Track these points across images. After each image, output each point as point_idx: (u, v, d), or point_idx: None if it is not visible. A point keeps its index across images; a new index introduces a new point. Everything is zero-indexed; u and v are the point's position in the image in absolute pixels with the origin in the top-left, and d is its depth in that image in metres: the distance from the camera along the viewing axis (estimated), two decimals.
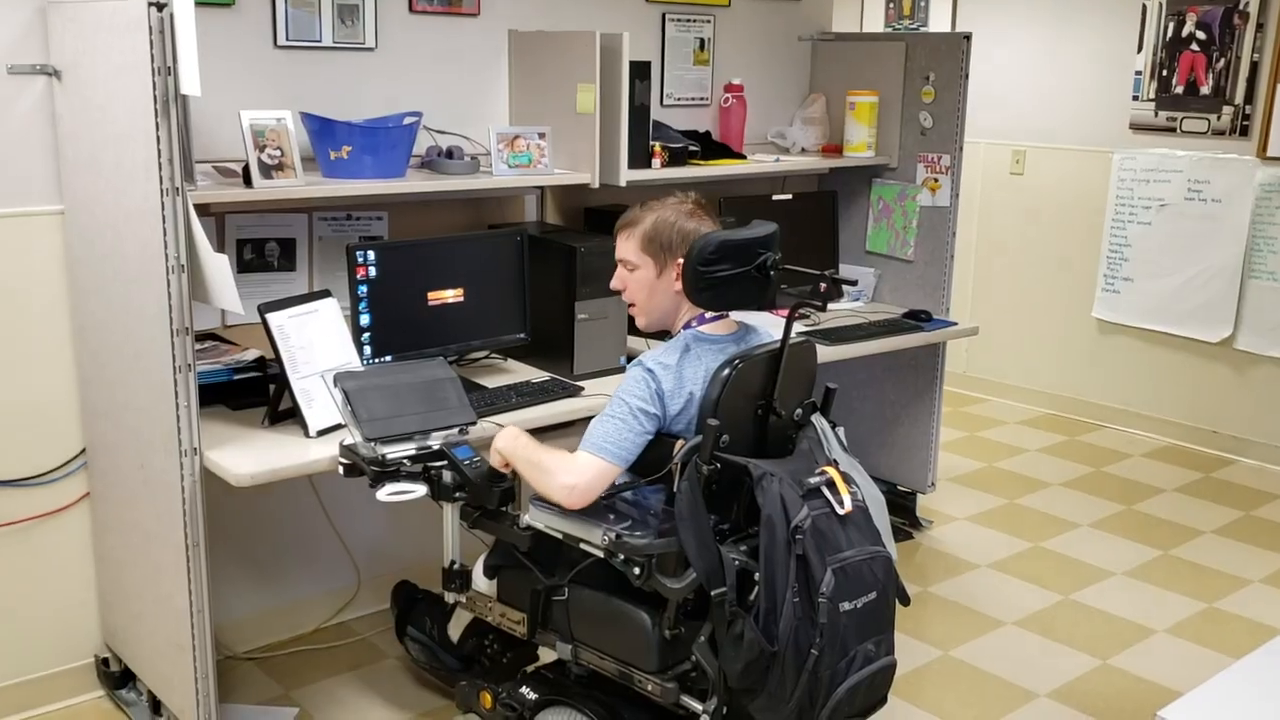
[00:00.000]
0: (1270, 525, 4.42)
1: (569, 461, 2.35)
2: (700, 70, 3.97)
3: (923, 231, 4.08)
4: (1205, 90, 5.07)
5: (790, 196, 4.03)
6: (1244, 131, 4.97)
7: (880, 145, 4.08)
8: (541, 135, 3.23)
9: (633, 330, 3.31)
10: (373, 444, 2.46)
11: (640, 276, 2.49)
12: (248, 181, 2.74)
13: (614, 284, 2.57)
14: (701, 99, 3.98)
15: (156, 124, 2.32)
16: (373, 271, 2.89)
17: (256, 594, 3.31)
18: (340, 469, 2.49)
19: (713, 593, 2.17)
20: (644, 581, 2.25)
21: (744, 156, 3.85)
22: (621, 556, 2.26)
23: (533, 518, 2.43)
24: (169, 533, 2.57)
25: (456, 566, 2.66)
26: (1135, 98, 5.29)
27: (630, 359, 3.30)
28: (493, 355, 3.31)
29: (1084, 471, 4.93)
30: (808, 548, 2.15)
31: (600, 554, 2.31)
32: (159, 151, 2.34)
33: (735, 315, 2.52)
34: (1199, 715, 1.55)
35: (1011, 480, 4.81)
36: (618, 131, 3.31)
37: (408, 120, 3.06)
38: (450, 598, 2.69)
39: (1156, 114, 5.23)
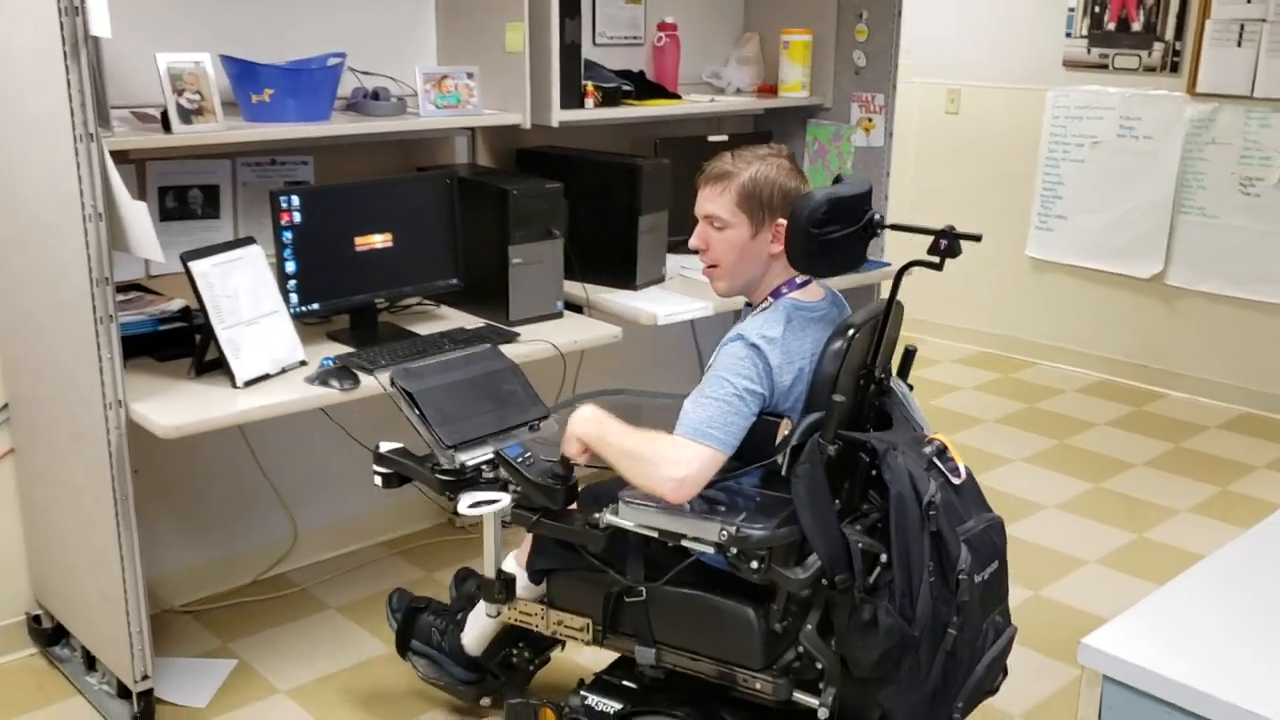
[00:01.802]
0: (1198, 456, 4.52)
1: (672, 448, 2.10)
2: (633, 9, 3.91)
3: (858, 172, 4.07)
4: (1136, 27, 5.10)
5: (726, 138, 4.00)
6: (1174, 68, 5.01)
7: (814, 85, 4.06)
8: (470, 75, 3.16)
9: (570, 274, 3.31)
10: (452, 451, 2.25)
11: (731, 236, 2.26)
12: (166, 127, 2.66)
13: (695, 242, 2.33)
14: (635, 38, 3.93)
15: (66, 67, 2.24)
16: (297, 217, 2.83)
17: (192, 547, 3.27)
18: (378, 480, 2.32)
19: (837, 579, 2.05)
20: (763, 576, 2.07)
21: (678, 97, 3.81)
22: (735, 551, 2.05)
23: (623, 516, 2.16)
24: (97, 487, 2.53)
25: (502, 576, 2.42)
26: (1068, 35, 5.31)
27: (567, 304, 3.31)
28: (425, 302, 3.27)
29: (1018, 408, 5.01)
30: (941, 524, 2.07)
31: (710, 550, 2.09)
32: (69, 97, 2.26)
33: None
34: (1119, 641, 1.58)
35: (947, 417, 4.87)
36: (548, 71, 3.26)
37: (331, 62, 2.99)
38: (493, 610, 2.45)
39: (1089, 51, 5.25)
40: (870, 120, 4.01)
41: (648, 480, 2.11)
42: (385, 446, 2.35)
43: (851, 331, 2.17)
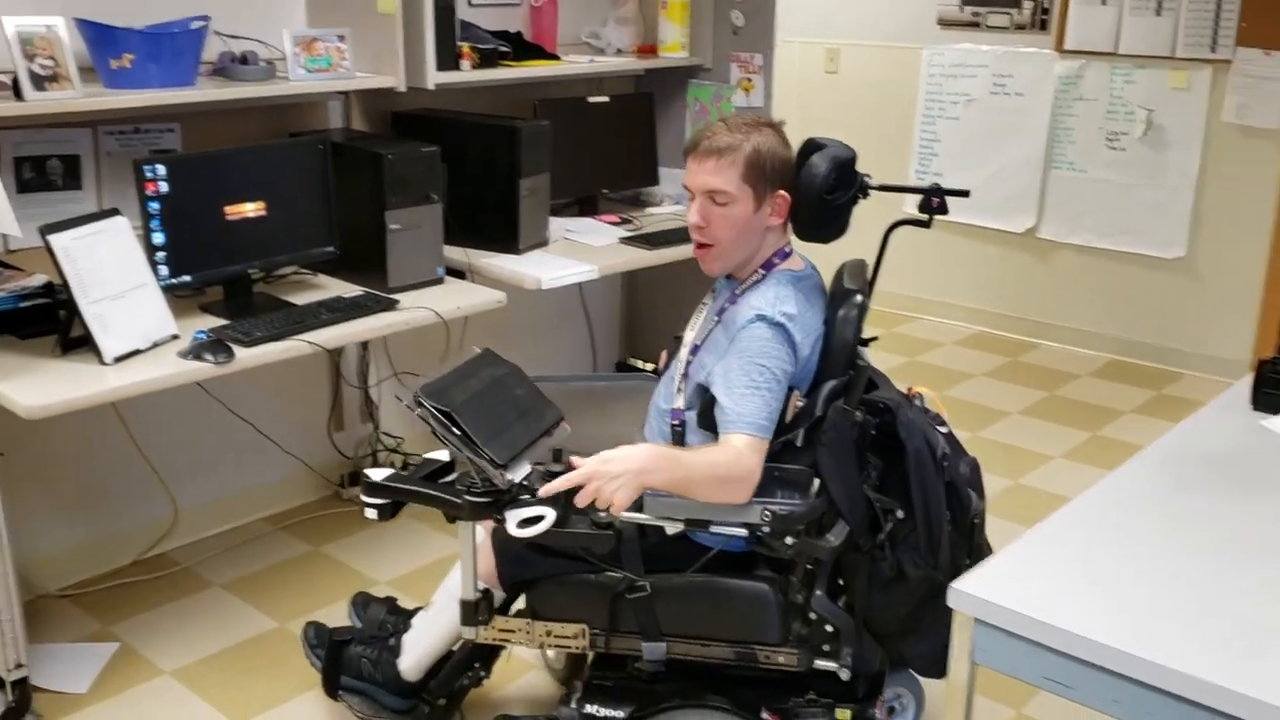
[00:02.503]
0: (1070, 404, 4.68)
1: (751, 455, 2.04)
2: None
3: None
4: None
5: (607, 99, 3.99)
6: (1043, 25, 5.13)
7: (694, 45, 4.05)
8: (341, 37, 3.09)
9: (449, 239, 3.27)
10: (501, 470, 2.05)
11: (735, 212, 2.17)
12: (18, 94, 2.55)
13: (691, 219, 2.21)
14: None
15: None
16: (164, 187, 2.74)
17: (67, 529, 3.17)
18: (371, 514, 2.13)
19: (862, 540, 2.08)
20: (797, 549, 2.07)
21: (557, 58, 3.78)
22: (767, 529, 2.03)
23: (649, 510, 2.07)
24: None
25: (479, 595, 2.24)
26: None
27: (449, 270, 3.26)
28: (301, 271, 3.20)
29: (898, 362, 5.12)
30: (954, 474, 2.12)
31: (741, 533, 2.06)
32: None
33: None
34: (987, 585, 1.63)
35: None
36: (422, 32, 3.20)
37: (195, 25, 2.89)
38: (473, 633, 2.27)
39: (962, 9, 5.35)
40: (750, 80, 4.03)
41: (736, 496, 2.04)
42: (377, 475, 2.15)
43: (860, 298, 2.19)
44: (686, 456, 2.10)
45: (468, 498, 2.07)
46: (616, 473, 2.00)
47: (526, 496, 2.06)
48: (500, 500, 2.06)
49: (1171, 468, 2.02)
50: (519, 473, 2.08)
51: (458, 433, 2.03)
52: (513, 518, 2.03)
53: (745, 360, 2.11)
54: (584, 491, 2.00)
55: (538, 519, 2.02)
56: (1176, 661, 1.45)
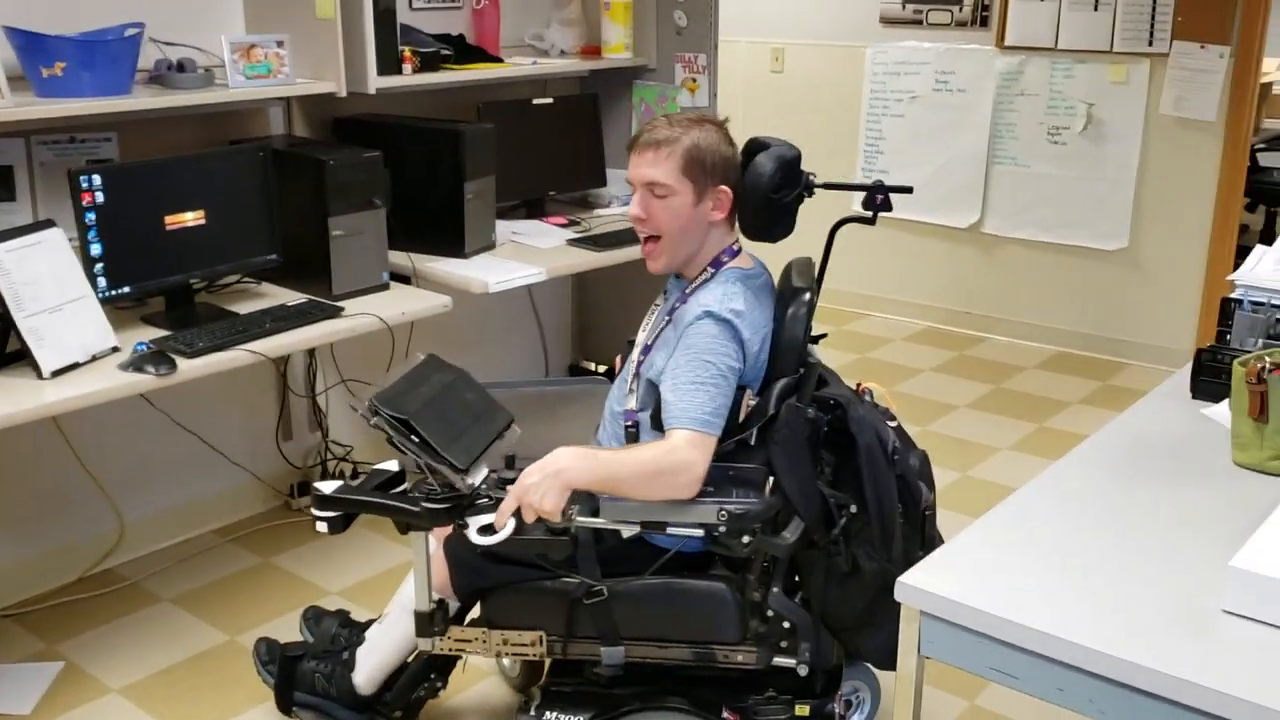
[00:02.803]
0: (1017, 396, 4.73)
1: (687, 450, 2.04)
2: None
3: None
4: None
5: (551, 101, 3.98)
6: (984, 22, 5.18)
7: (637, 46, 4.05)
8: (280, 43, 3.05)
9: (394, 244, 3.24)
10: (462, 474, 2.04)
11: (675, 204, 2.18)
12: None
13: (633, 211, 2.23)
14: (453, 1, 3.85)
15: None
16: (100, 197, 2.69)
17: (9, 547, 3.10)
18: (322, 527, 2.08)
19: (817, 536, 2.10)
20: (753, 548, 2.07)
21: (501, 60, 3.76)
22: (723, 529, 2.05)
23: (605, 515, 2.08)
24: None
25: (434, 605, 2.22)
26: None
27: (395, 275, 3.24)
28: (244, 279, 3.16)
29: (849, 359, 5.15)
30: (904, 467, 2.14)
31: (698, 533, 2.07)
32: None
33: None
34: (932, 578, 1.64)
35: None
36: (363, 37, 3.17)
37: (129, 32, 2.84)
38: (428, 644, 2.25)
39: (904, 7, 5.39)
40: (694, 80, 4.04)
41: (674, 489, 2.04)
42: (327, 488, 2.11)
43: (808, 296, 2.20)
44: (609, 454, 2.12)
45: (425, 505, 2.05)
46: (536, 482, 2.02)
47: (484, 502, 2.06)
48: (459, 506, 2.04)
49: (1113, 457, 2.05)
50: (478, 476, 2.07)
51: (416, 440, 2.01)
52: (474, 524, 2.03)
53: (691, 356, 2.12)
54: (521, 510, 2.03)
55: (488, 529, 2.03)
56: (1117, 648, 1.46)
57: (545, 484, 2.02)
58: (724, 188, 2.22)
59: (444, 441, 2.03)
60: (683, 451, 2.04)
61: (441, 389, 2.18)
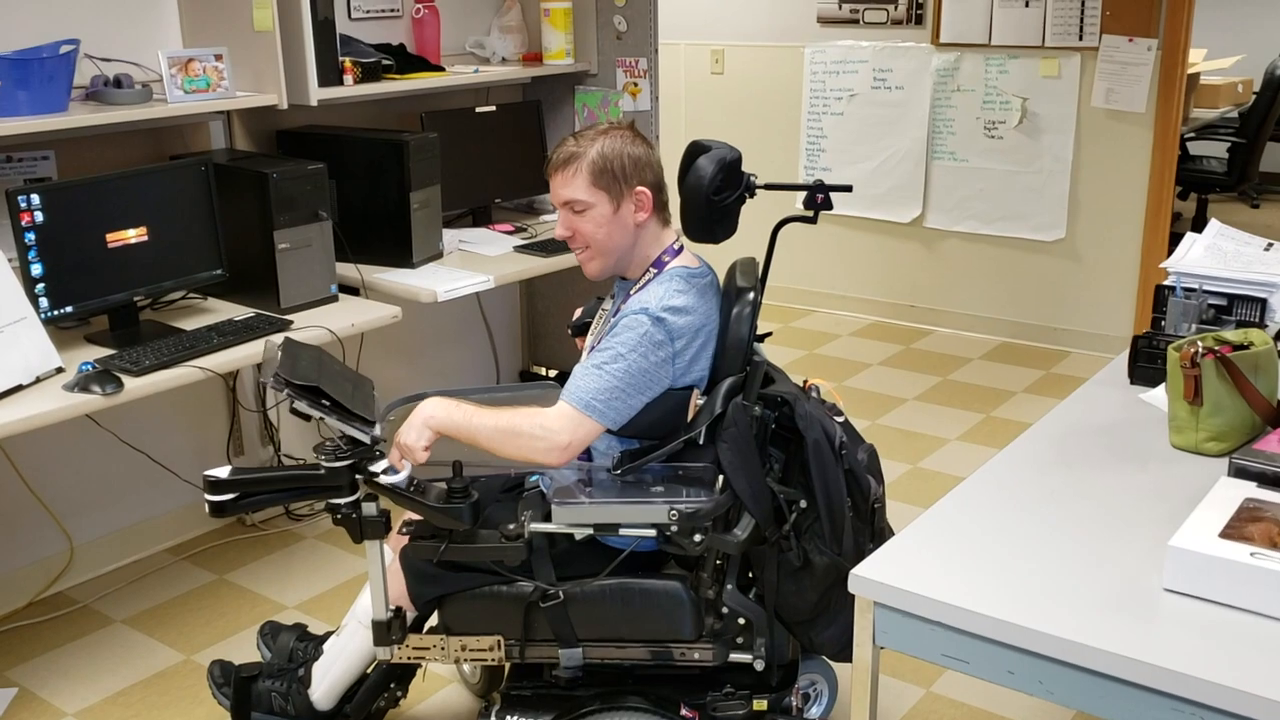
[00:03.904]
0: (963, 387, 4.81)
1: (556, 419, 2.10)
2: None
3: None
4: None
5: (494, 108, 3.98)
6: (919, 20, 5.26)
7: (578, 51, 4.07)
8: (218, 57, 3.04)
9: (341, 256, 3.24)
10: (371, 427, 2.11)
11: (594, 216, 2.22)
12: None
13: (559, 232, 2.28)
14: (392, 10, 3.85)
15: None
16: (40, 216, 2.66)
17: None
18: (211, 511, 2.07)
19: (768, 532, 2.13)
20: (705, 546, 2.11)
21: (442, 69, 3.76)
22: (675, 528, 2.07)
23: (557, 519, 2.12)
24: None
25: (391, 614, 2.22)
26: None
27: (343, 287, 3.23)
28: (191, 295, 3.14)
29: (797, 355, 5.20)
30: (852, 462, 2.16)
31: (650, 533, 2.10)
32: None
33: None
34: (884, 569, 1.68)
35: None
36: (302, 48, 3.17)
37: (64, 49, 2.81)
38: (387, 653, 2.25)
39: (840, 7, 5.45)
40: (636, 85, 4.06)
41: (531, 452, 2.10)
42: (219, 473, 2.08)
43: (753, 295, 2.23)
44: (472, 407, 2.16)
45: (326, 465, 2.08)
46: (406, 428, 2.13)
47: (379, 451, 2.13)
48: (360, 459, 2.09)
49: (1055, 444, 2.10)
50: (377, 430, 2.15)
51: (327, 403, 2.09)
52: (378, 468, 2.09)
53: (609, 345, 2.16)
54: (395, 455, 2.12)
55: (393, 470, 2.10)
56: (1064, 630, 1.50)
57: (414, 428, 2.12)
58: (641, 189, 2.24)
59: (348, 402, 2.11)
60: (549, 419, 2.10)
61: (318, 362, 2.24)
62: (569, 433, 2.10)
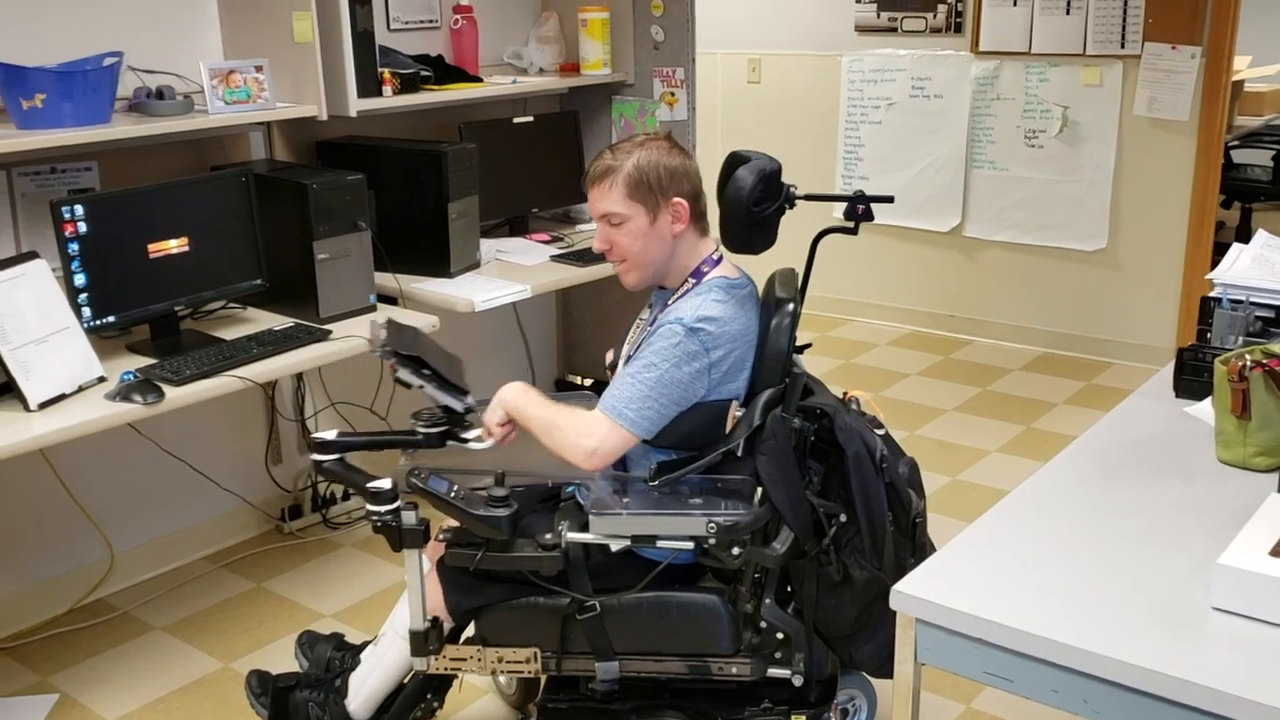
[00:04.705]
0: (1003, 398, 4.76)
1: (588, 422, 2.13)
2: None
3: None
4: None
5: (532, 119, 3.99)
6: (958, 29, 5.23)
7: (616, 62, 4.07)
8: (259, 68, 3.06)
9: (379, 266, 3.25)
10: (466, 396, 2.32)
11: (632, 228, 2.22)
12: None
13: (597, 245, 2.29)
14: (431, 21, 3.87)
15: None
16: (83, 227, 2.69)
17: None
18: (312, 469, 2.26)
19: (808, 545, 2.12)
20: (743, 559, 2.10)
21: (480, 79, 3.77)
22: (713, 541, 2.07)
23: (594, 529, 2.13)
24: None
25: (428, 624, 2.24)
26: (858, 0, 5.47)
27: (381, 297, 3.24)
28: (231, 305, 3.16)
29: (834, 365, 5.17)
30: (893, 475, 2.15)
31: (688, 546, 2.10)
32: None
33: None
34: (926, 585, 1.65)
35: None
36: (342, 60, 3.18)
37: (108, 61, 2.84)
38: (424, 664, 2.27)
39: (879, 15, 5.43)
40: (673, 94, 4.06)
41: (563, 447, 2.15)
42: (326, 435, 2.29)
43: (792, 306, 2.22)
44: (538, 396, 2.25)
45: (421, 429, 2.28)
46: (491, 406, 2.26)
47: (471, 419, 2.31)
48: (453, 426, 2.29)
49: (1099, 459, 2.07)
50: (471, 400, 2.32)
51: (428, 372, 2.26)
52: (470, 436, 2.28)
53: (645, 354, 2.16)
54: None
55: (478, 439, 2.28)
56: (1109, 649, 1.48)
57: (494, 406, 2.26)
58: (678, 199, 2.23)
59: (445, 372, 2.28)
60: (583, 421, 2.15)
61: (417, 339, 2.38)
62: (598, 438, 2.12)
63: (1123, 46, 4.82)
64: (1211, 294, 2.39)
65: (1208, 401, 2.17)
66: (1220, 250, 2.57)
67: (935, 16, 5.26)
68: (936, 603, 1.62)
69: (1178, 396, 2.32)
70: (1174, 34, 4.70)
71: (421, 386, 2.28)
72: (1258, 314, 2.33)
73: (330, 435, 2.29)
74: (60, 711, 2.81)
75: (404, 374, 2.27)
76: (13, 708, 2.81)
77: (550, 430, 2.17)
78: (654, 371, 2.12)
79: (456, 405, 2.30)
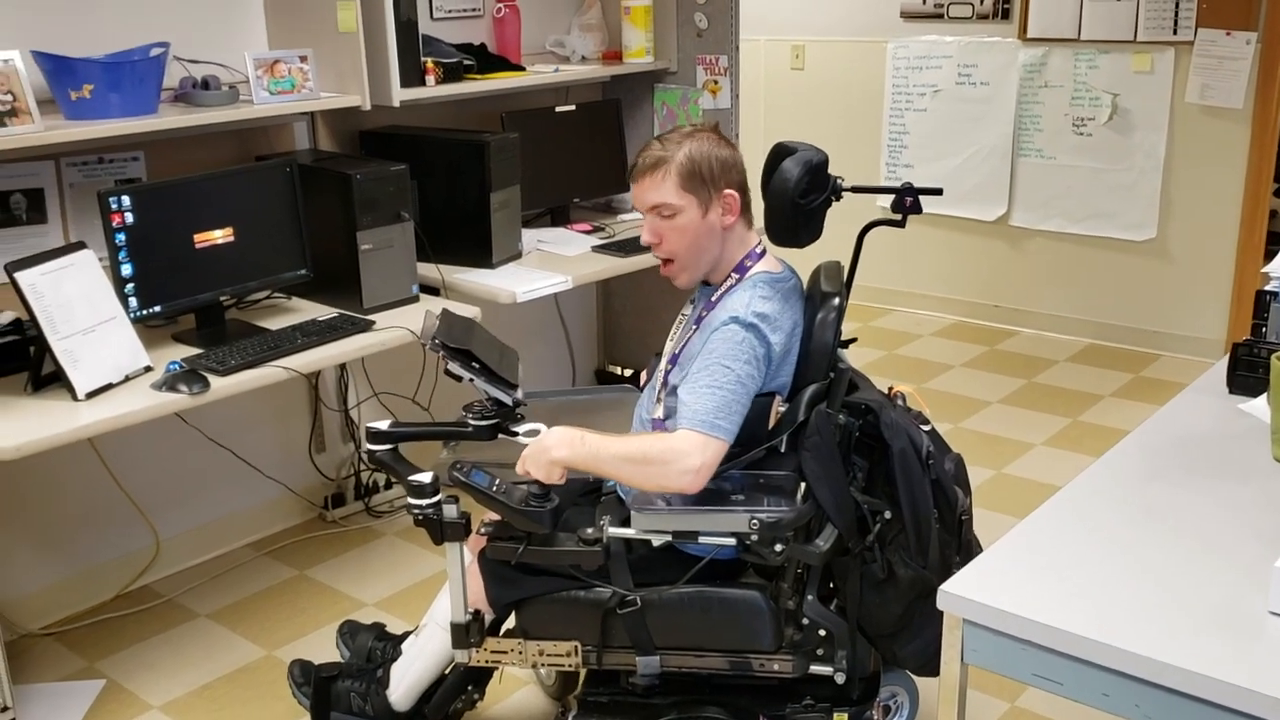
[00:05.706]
0: (1049, 390, 4.70)
1: (684, 443, 2.03)
2: None
3: None
4: None
5: (574, 107, 3.98)
6: (1005, 15, 5.15)
7: (658, 49, 4.05)
8: (303, 58, 3.07)
9: (422, 256, 3.25)
10: (515, 389, 2.33)
11: (683, 222, 2.18)
12: None
13: (646, 238, 2.23)
14: (474, 10, 3.86)
15: None
16: (130, 217, 2.71)
17: (47, 566, 3.13)
18: (366, 457, 2.27)
19: (851, 543, 2.10)
20: (786, 556, 2.09)
21: (523, 68, 3.76)
22: (755, 537, 2.04)
23: (636, 525, 2.10)
24: None
25: (469, 617, 2.25)
26: None
27: (424, 287, 3.25)
28: (275, 295, 3.18)
29: (877, 356, 5.13)
30: (939, 471, 2.13)
31: (730, 542, 2.08)
32: None
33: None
34: (974, 585, 1.63)
35: None
36: (385, 49, 3.18)
37: (154, 52, 2.86)
38: (465, 656, 2.28)
39: (924, 1, 5.36)
40: (716, 82, 4.03)
41: (662, 479, 2.04)
42: (380, 425, 2.30)
43: (838, 300, 2.19)
44: (597, 437, 2.11)
45: (472, 422, 2.30)
46: (529, 454, 2.14)
47: (522, 412, 2.33)
48: (504, 419, 2.30)
49: (1150, 456, 2.03)
50: (520, 394, 2.34)
51: (477, 365, 2.28)
52: (522, 430, 2.29)
53: (711, 360, 2.10)
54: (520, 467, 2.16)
55: (534, 431, 2.25)
56: (1163, 652, 1.45)
57: (534, 456, 2.13)
58: (729, 191, 2.20)
59: (495, 366, 2.29)
60: (676, 441, 2.04)
61: (470, 331, 2.39)
62: (699, 454, 2.02)
63: (1175, 32, 4.72)
64: (1267, 288, 2.33)
65: (1263, 398, 2.12)
66: (1274, 240, 2.51)
67: (982, 3, 5.19)
68: (985, 603, 1.59)
69: (1231, 392, 2.27)
70: (1229, 20, 4.60)
71: (471, 380, 2.28)
72: None
73: (384, 425, 2.30)
74: (107, 697, 2.85)
75: (453, 366, 2.28)
76: (61, 692, 2.85)
77: (640, 465, 2.06)
78: (729, 375, 2.07)
79: (505, 399, 2.30)
